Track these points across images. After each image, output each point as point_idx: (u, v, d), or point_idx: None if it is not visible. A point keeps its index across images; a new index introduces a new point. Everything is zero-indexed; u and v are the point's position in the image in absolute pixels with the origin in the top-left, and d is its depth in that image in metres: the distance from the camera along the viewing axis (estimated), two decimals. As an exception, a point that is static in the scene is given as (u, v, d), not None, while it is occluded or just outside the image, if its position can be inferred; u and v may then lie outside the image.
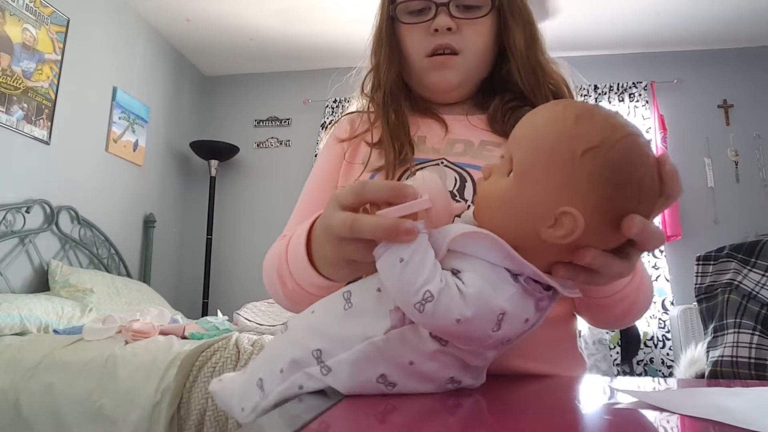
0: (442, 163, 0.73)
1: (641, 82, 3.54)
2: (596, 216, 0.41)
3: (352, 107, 0.88)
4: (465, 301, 0.40)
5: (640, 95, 3.53)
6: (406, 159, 0.72)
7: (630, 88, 3.55)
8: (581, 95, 3.59)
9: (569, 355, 0.70)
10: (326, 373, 0.45)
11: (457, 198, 0.70)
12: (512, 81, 0.78)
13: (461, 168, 0.72)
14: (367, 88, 0.84)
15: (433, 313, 0.40)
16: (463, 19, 0.75)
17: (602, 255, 0.42)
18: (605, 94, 3.58)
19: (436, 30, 0.74)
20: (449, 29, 0.74)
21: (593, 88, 3.59)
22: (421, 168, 0.73)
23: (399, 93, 0.80)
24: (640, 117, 3.50)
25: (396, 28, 0.80)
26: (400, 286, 0.41)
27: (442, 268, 0.42)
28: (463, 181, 0.71)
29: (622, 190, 0.41)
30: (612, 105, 3.55)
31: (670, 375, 2.99)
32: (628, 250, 0.44)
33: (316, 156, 3.66)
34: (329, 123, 3.75)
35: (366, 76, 0.84)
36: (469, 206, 0.70)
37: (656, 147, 3.40)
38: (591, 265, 0.42)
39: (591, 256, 0.42)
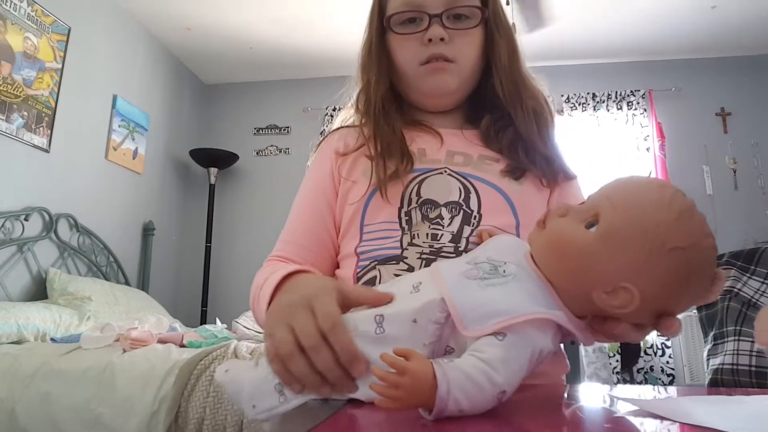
0: (445, 171, 0.75)
1: (639, 91, 3.55)
2: (650, 303, 0.44)
3: (336, 122, 0.88)
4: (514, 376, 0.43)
5: (638, 103, 3.54)
6: (398, 174, 0.73)
7: (628, 96, 3.57)
8: (579, 104, 3.60)
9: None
10: (354, 391, 0.47)
11: (464, 208, 0.72)
12: (495, 96, 0.81)
13: (464, 178, 0.74)
14: (361, 103, 0.84)
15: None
16: (455, 30, 0.77)
17: (629, 329, 0.47)
18: (603, 102, 3.59)
19: (430, 40, 0.76)
20: (442, 39, 0.76)
21: (591, 96, 3.60)
22: (425, 177, 0.75)
23: (390, 106, 0.81)
24: (639, 125, 3.51)
25: (387, 39, 0.81)
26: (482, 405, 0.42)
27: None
28: (467, 191, 0.73)
29: (684, 293, 0.45)
30: (610, 113, 3.57)
31: (671, 383, 2.97)
32: (647, 326, 0.48)
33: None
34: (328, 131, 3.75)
35: (359, 93, 0.85)
36: (476, 217, 0.72)
37: (654, 155, 3.41)
38: (618, 335, 0.48)
39: (620, 330, 0.47)
